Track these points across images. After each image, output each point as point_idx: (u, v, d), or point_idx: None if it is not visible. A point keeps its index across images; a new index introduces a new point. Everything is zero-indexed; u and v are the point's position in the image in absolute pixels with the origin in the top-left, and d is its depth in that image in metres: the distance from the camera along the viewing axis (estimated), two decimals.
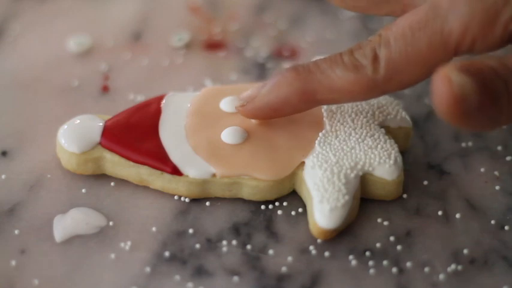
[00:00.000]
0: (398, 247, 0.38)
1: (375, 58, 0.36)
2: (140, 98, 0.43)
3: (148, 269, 0.37)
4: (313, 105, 0.38)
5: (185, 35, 0.46)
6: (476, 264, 0.38)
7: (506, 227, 0.39)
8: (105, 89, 0.44)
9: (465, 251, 0.38)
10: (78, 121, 0.40)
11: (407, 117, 0.41)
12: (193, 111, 0.41)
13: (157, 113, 0.41)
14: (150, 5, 0.48)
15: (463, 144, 0.43)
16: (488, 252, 0.38)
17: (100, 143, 0.40)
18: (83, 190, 0.40)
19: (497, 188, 0.41)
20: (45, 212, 0.39)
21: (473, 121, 0.32)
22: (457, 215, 0.40)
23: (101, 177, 0.40)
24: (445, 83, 0.32)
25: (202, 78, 0.45)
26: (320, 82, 0.36)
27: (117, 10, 0.47)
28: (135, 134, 0.40)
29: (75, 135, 0.39)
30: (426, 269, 0.38)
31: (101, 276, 0.37)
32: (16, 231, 0.38)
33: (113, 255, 0.37)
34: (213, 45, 0.46)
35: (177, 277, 0.37)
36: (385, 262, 0.38)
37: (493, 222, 0.39)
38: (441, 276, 0.37)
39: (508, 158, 0.42)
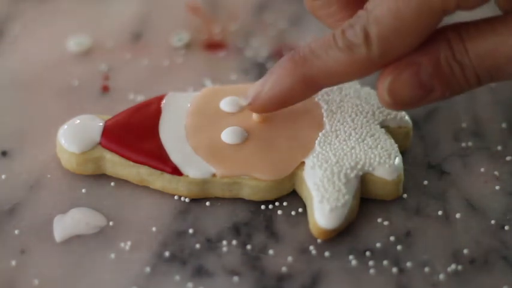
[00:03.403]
0: (399, 247, 0.38)
1: (367, 36, 0.36)
2: (140, 98, 0.43)
3: (148, 269, 0.37)
4: (318, 90, 0.38)
5: (185, 35, 0.46)
6: (476, 264, 0.38)
7: (506, 227, 0.39)
8: (105, 89, 0.44)
9: (465, 251, 0.38)
10: (78, 121, 0.40)
11: (407, 117, 0.41)
12: (193, 111, 0.41)
13: (158, 113, 0.41)
14: (150, 5, 0.48)
15: (463, 144, 0.43)
16: (488, 252, 0.38)
17: (100, 143, 0.40)
18: (83, 190, 0.40)
19: (497, 187, 0.41)
20: (45, 212, 0.39)
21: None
22: (457, 215, 0.40)
23: (101, 177, 0.40)
24: (383, 102, 0.37)
25: (202, 78, 0.45)
26: (318, 68, 0.37)
27: (116, 10, 0.47)
28: (135, 134, 0.40)
29: (75, 135, 0.40)
30: (426, 269, 0.38)
31: (101, 276, 0.37)
32: (16, 231, 0.38)
33: (113, 255, 0.37)
34: (213, 45, 0.46)
35: (177, 277, 0.37)
36: (385, 262, 0.38)
37: (493, 222, 0.39)
38: (441, 276, 0.37)
39: (508, 158, 0.42)
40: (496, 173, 0.41)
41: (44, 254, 0.37)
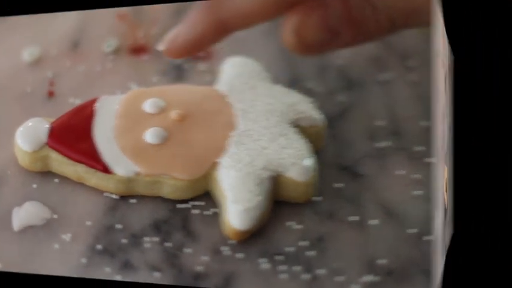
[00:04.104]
0: (311, 252, 0.37)
1: None
2: (78, 102, 0.46)
3: (84, 260, 0.40)
4: (229, 33, 0.38)
5: (113, 41, 0.47)
6: (394, 275, 0.35)
7: (426, 237, 0.35)
8: (51, 94, 0.47)
9: (381, 261, 0.35)
10: (31, 123, 0.44)
11: (320, 115, 0.39)
12: (120, 113, 0.43)
13: (92, 115, 0.43)
14: (87, 15, 0.50)
15: (379, 145, 0.39)
16: (406, 263, 0.35)
17: (47, 143, 0.44)
18: (34, 185, 0.44)
19: (416, 193, 0.37)
20: (6, 204, 0.44)
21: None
22: (372, 221, 0.37)
23: (48, 174, 0.44)
24: (287, 42, 0.36)
25: (129, 82, 0.46)
26: (230, 10, 0.37)
27: (60, 22, 0.50)
28: (75, 134, 0.43)
29: (28, 136, 0.44)
30: (339, 278, 0.36)
31: (48, 264, 0.41)
32: None
33: (57, 246, 0.41)
34: (137, 50, 0.47)
35: (108, 269, 0.40)
36: (296, 267, 0.37)
37: (412, 230, 0.36)
38: (354, 287, 0.35)
39: (429, 160, 0.37)
40: (416, 176, 0.37)
41: (5, 240, 0.42)
